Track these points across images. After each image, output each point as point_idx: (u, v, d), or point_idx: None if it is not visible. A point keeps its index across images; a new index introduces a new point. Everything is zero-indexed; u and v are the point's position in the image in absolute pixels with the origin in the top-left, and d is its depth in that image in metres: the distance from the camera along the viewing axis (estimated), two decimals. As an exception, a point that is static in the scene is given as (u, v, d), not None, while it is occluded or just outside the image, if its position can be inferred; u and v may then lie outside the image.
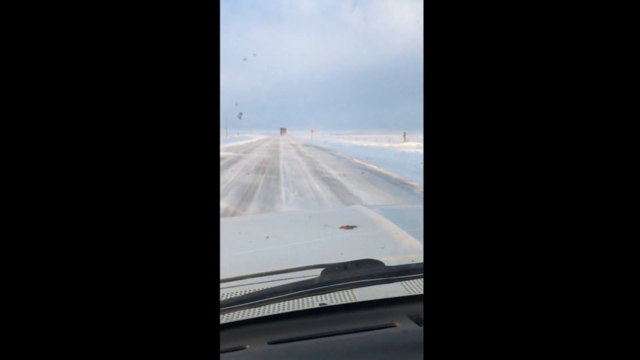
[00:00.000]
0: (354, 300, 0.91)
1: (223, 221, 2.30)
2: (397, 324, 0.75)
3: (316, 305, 0.88)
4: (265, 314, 0.85)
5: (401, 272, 0.84)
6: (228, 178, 10.63)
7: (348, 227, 1.59)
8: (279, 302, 0.82)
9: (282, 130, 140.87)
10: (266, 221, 2.28)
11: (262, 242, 1.53)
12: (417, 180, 10.74)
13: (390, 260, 0.92)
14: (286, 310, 0.86)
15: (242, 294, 0.85)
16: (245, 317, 0.84)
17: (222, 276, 0.88)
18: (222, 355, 0.64)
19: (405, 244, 1.36)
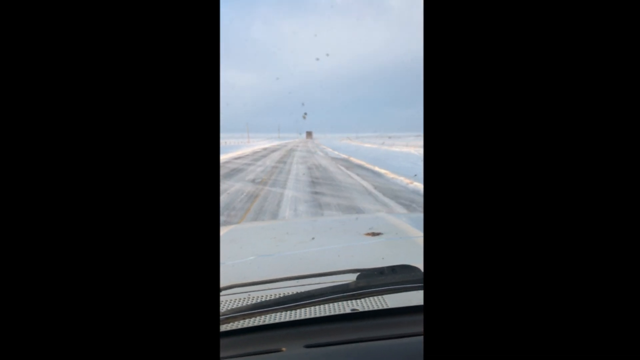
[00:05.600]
0: (390, 306, 0.91)
1: (243, 226, 2.83)
2: None
3: (348, 309, 0.90)
4: (302, 317, 0.86)
5: None
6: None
7: (374, 234, 1.60)
8: (316, 305, 0.82)
9: (308, 134, 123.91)
10: (288, 227, 2.21)
11: (291, 246, 1.61)
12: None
13: None
14: (323, 314, 0.87)
15: (279, 296, 0.83)
16: (282, 320, 0.85)
17: (249, 279, 0.95)
18: (258, 357, 0.68)
19: None
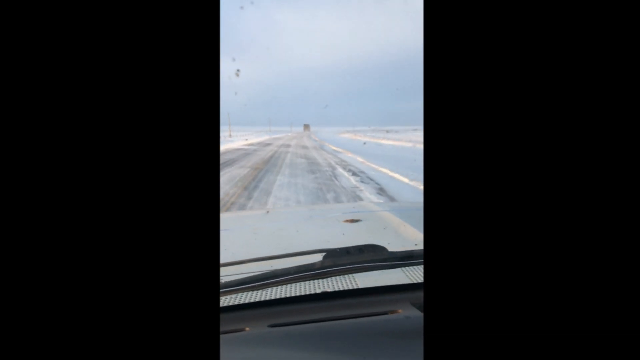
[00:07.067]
0: (355, 286, 0.91)
1: (230, 215, 2.81)
2: (399, 310, 0.76)
3: (318, 290, 0.89)
4: (267, 297, 0.87)
5: (404, 258, 0.85)
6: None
7: (352, 221, 1.61)
8: (281, 285, 0.83)
9: (306, 127, 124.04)
10: (270, 215, 2.22)
11: (265, 225, 1.68)
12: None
13: (392, 248, 0.92)
14: (288, 294, 0.87)
15: (244, 277, 0.83)
16: (246, 300, 0.85)
17: (227, 258, 0.95)
18: (222, 337, 0.66)
19: (408, 234, 1.35)
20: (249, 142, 30.05)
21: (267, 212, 1.84)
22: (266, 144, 27.77)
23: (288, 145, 25.84)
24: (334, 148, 23.52)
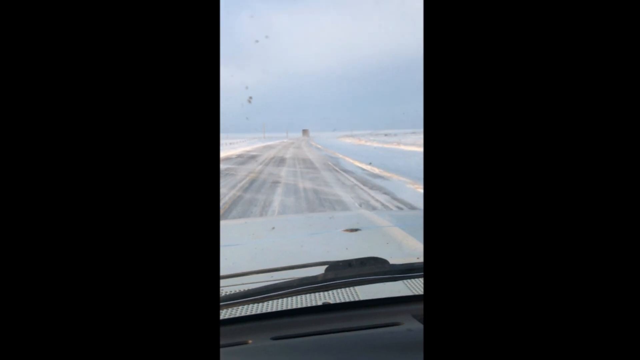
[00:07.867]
0: (357, 299, 0.93)
1: (231, 222, 2.82)
2: (402, 322, 0.77)
3: (320, 303, 0.91)
4: (269, 310, 0.88)
5: (406, 271, 0.86)
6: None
7: (352, 230, 1.62)
8: (283, 298, 0.83)
9: (304, 132, 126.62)
10: (270, 223, 2.23)
11: (268, 235, 1.68)
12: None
13: (394, 260, 0.94)
14: (290, 307, 0.89)
15: (247, 289, 0.84)
16: (248, 313, 0.86)
17: (230, 270, 0.96)
18: (224, 350, 0.68)
19: (410, 247, 1.38)
20: (225, 154, 20.61)
21: (273, 228, 1.78)
22: (249, 158, 18.29)
23: (281, 162, 16.18)
24: (361, 165, 13.93)
